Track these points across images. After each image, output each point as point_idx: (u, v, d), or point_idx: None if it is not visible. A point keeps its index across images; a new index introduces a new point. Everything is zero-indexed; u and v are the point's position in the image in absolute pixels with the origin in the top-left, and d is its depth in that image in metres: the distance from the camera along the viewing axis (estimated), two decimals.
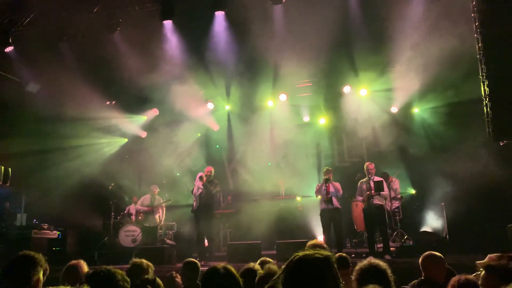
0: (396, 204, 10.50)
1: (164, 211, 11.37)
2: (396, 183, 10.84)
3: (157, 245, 10.35)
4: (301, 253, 1.92)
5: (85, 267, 4.05)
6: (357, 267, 3.13)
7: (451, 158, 10.13)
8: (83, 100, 11.78)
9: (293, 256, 1.93)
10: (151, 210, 11.06)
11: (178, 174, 13.99)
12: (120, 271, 2.79)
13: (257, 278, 3.26)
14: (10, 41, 11.17)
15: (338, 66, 11.41)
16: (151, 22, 10.77)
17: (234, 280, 2.61)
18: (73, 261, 4.13)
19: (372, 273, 2.96)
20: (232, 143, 13.88)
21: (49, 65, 10.99)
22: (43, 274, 3.00)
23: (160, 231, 11.14)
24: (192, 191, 9.73)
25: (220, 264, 2.70)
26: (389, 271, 3.03)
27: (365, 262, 3.11)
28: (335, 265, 1.90)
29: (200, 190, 9.57)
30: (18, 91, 12.09)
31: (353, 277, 3.11)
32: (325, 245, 4.17)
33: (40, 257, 2.97)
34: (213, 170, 9.88)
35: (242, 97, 13.08)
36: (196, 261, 4.56)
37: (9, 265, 2.96)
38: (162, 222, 11.15)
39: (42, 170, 12.39)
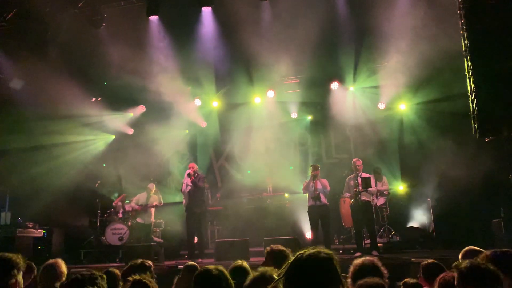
0: (382, 200, 10.54)
1: (153, 209, 11.28)
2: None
3: (145, 242, 10.27)
4: (306, 252, 1.92)
5: (63, 266, 3.97)
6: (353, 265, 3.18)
7: (438, 154, 10.24)
8: (68, 96, 11.60)
9: (298, 255, 1.92)
10: (142, 209, 10.93)
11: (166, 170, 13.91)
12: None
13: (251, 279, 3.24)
14: None
15: (325, 62, 11.42)
16: (137, 17, 10.66)
17: (226, 282, 2.60)
18: (51, 260, 4.03)
19: (367, 270, 2.98)
20: (220, 140, 13.82)
21: (32, 61, 10.81)
22: (30, 274, 2.89)
23: None
24: (181, 189, 9.65)
25: (212, 265, 2.69)
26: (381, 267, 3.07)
27: (359, 260, 3.15)
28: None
29: (189, 187, 9.51)
30: (1, 87, 11.87)
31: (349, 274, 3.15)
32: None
33: (17, 258, 2.83)
34: (195, 166, 9.80)
35: (229, 94, 13.03)
36: (197, 265, 4.49)
37: None
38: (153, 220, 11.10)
39: (27, 168, 12.20)
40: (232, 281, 2.69)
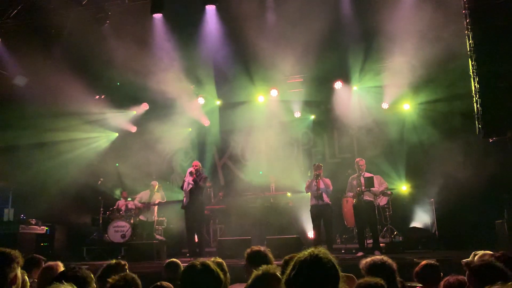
0: (384, 200, 10.51)
1: (156, 207, 11.30)
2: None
3: (147, 240, 10.28)
4: (316, 252, 1.95)
5: (61, 269, 3.98)
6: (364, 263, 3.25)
7: (441, 154, 10.20)
8: (72, 93, 11.62)
9: (307, 254, 1.95)
10: (145, 207, 10.97)
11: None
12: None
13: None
14: None
15: (329, 61, 11.38)
16: (141, 15, 10.65)
17: (212, 275, 2.57)
18: (51, 262, 4.03)
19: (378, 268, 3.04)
20: (223, 138, 13.82)
21: (36, 58, 10.82)
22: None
23: None
24: (181, 187, 9.64)
25: (199, 260, 2.66)
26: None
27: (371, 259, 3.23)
28: None
29: (191, 186, 9.49)
30: (5, 84, 11.90)
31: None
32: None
33: (15, 253, 2.82)
34: (200, 164, 9.80)
35: (232, 92, 13.02)
36: (178, 262, 4.57)
37: None
38: (155, 218, 11.11)
39: (30, 165, 12.24)
40: (221, 273, 2.67)
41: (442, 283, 3.07)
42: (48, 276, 3.82)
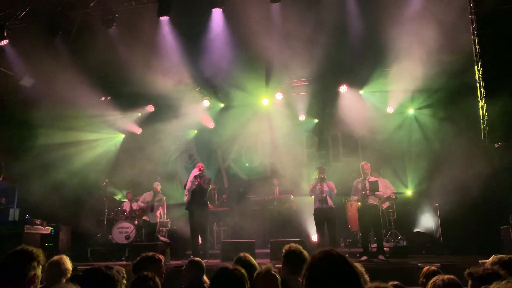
0: (386, 203, 10.48)
1: (165, 207, 11.32)
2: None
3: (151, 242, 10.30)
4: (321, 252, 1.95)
5: (68, 263, 3.97)
6: None
7: (446, 159, 10.18)
8: (78, 95, 11.70)
9: (321, 252, 1.95)
10: (146, 207, 11.00)
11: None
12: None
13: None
14: (5, 34, 11.04)
15: (335, 65, 11.40)
16: (148, 18, 10.72)
17: (242, 282, 2.58)
18: (56, 257, 4.02)
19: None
20: (227, 141, 13.83)
21: (44, 59, 10.90)
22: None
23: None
24: (185, 186, 9.66)
25: (231, 265, 2.67)
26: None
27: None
28: None
29: (194, 186, 9.53)
30: (12, 85, 11.99)
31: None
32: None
33: (37, 251, 2.82)
34: (203, 167, 9.83)
35: (237, 95, 13.05)
36: (201, 260, 4.59)
37: (4, 260, 2.77)
38: (164, 219, 11.12)
39: (36, 165, 12.31)
40: (248, 282, 2.66)
41: (429, 283, 3.04)
42: (56, 272, 3.82)
